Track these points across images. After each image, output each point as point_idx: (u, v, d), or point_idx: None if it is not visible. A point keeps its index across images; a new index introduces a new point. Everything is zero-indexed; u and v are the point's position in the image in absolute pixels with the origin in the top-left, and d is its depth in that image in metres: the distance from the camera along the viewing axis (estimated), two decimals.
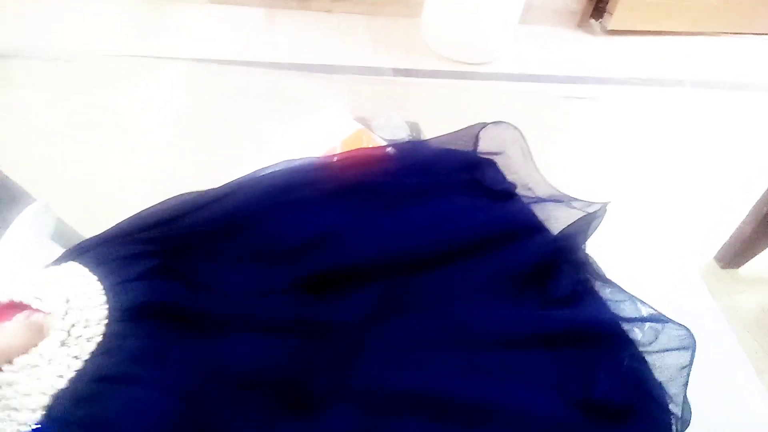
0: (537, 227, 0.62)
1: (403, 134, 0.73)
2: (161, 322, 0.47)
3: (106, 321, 0.47)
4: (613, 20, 2.07)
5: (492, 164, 0.67)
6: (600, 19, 2.12)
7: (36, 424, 0.41)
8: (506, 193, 0.64)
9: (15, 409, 0.42)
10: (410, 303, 0.53)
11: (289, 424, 0.43)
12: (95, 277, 0.49)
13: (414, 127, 0.75)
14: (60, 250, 0.54)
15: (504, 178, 0.66)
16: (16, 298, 0.47)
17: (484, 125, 0.68)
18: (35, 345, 0.43)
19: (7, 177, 0.66)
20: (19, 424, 0.41)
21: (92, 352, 0.45)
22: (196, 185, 0.60)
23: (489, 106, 0.88)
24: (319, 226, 0.55)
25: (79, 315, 0.46)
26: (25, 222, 0.58)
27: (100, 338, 0.46)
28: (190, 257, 0.53)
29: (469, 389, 0.45)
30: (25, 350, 0.42)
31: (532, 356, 0.49)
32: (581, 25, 2.15)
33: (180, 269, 0.51)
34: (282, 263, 0.53)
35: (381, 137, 0.72)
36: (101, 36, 1.28)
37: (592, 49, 2.05)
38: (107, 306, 0.47)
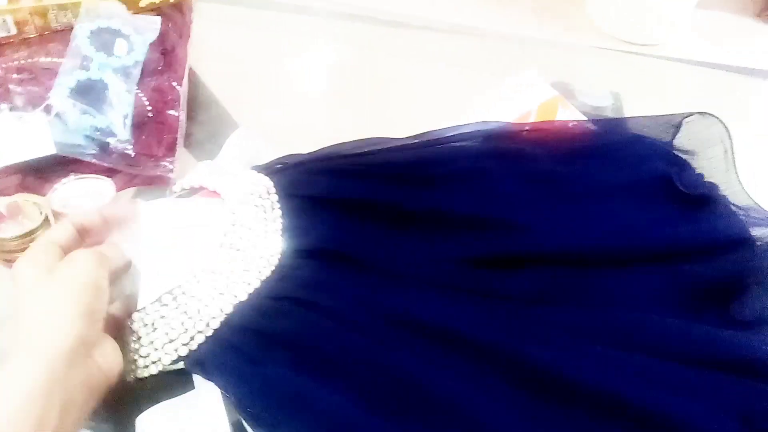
0: (735, 241, 0.55)
1: (605, 102, 0.70)
2: (335, 263, 0.49)
3: (280, 254, 0.49)
4: None
5: (687, 165, 0.61)
6: None
7: (214, 330, 0.44)
8: (704, 198, 0.58)
9: (191, 318, 0.44)
10: (575, 296, 0.50)
11: (460, 372, 0.43)
12: (280, 212, 0.52)
13: (616, 96, 0.72)
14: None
15: (703, 180, 0.60)
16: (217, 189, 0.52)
17: (689, 114, 0.62)
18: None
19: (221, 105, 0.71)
20: (198, 330, 0.43)
21: (267, 278, 0.47)
22: None
23: (690, 90, 0.81)
24: (502, 207, 0.54)
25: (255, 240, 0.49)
26: (231, 145, 0.61)
27: (273, 267, 0.48)
28: (372, 206, 0.54)
29: (646, 396, 0.41)
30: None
31: (712, 378, 0.44)
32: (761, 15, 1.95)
33: (358, 220, 0.52)
34: (459, 232, 0.53)
35: (583, 102, 0.70)
36: None
37: None
38: (283, 243, 0.50)
